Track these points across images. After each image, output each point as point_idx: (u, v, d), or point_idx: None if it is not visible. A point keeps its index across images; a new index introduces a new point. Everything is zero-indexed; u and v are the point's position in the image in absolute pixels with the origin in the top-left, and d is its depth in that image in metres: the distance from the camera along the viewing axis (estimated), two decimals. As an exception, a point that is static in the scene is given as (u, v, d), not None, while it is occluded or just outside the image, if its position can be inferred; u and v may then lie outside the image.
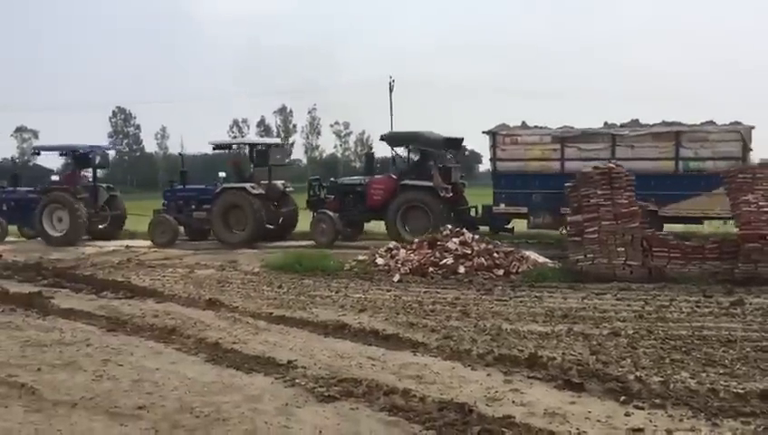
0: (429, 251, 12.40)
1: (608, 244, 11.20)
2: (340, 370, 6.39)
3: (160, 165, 76.70)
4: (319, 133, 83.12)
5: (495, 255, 12.14)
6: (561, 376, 6.01)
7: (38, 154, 20.47)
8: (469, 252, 12.16)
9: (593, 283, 10.76)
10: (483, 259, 11.95)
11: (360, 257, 13.00)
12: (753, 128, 13.94)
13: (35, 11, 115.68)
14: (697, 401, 5.32)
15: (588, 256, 11.28)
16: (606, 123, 15.23)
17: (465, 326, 8.12)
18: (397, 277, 11.58)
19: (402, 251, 12.68)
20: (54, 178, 19.94)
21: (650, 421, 4.98)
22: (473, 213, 16.77)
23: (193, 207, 18.21)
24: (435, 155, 16.78)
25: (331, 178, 18.83)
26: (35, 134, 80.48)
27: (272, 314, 8.97)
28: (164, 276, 12.39)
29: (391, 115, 51.43)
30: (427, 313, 8.95)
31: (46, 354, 7.14)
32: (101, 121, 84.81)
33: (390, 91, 52.74)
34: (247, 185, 17.13)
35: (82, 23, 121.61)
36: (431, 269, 11.85)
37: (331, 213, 16.64)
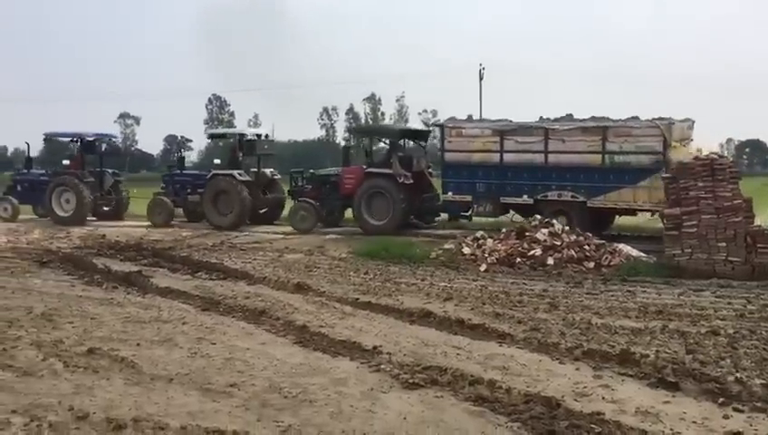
0: (517, 241, 12.21)
1: (707, 238, 10.71)
2: (425, 357, 6.39)
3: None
4: (407, 121, 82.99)
5: (586, 247, 11.83)
6: (655, 374, 5.79)
7: (48, 140, 21.87)
8: (558, 243, 11.89)
9: (691, 279, 10.32)
10: (572, 251, 11.67)
11: (447, 246, 12.94)
12: (672, 124, 13.97)
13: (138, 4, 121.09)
14: (803, 406, 5.02)
15: (685, 250, 10.82)
16: (541, 117, 15.63)
17: (553, 319, 7.95)
18: (483, 267, 11.47)
19: (489, 241, 12.53)
20: (66, 162, 21.09)
21: (750, 425, 4.73)
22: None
23: (188, 190, 19.54)
24: (397, 145, 17.59)
25: (311, 169, 19.82)
26: (137, 120, 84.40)
27: (358, 299, 9.06)
28: (254, 259, 12.73)
29: (480, 102, 50.88)
30: (514, 304, 8.81)
31: (145, 331, 7.46)
32: (199, 108, 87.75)
33: (480, 78, 52.19)
34: (235, 172, 18.31)
35: (181, 13, 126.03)
36: (519, 260, 11.67)
37: (311, 201, 17.58)
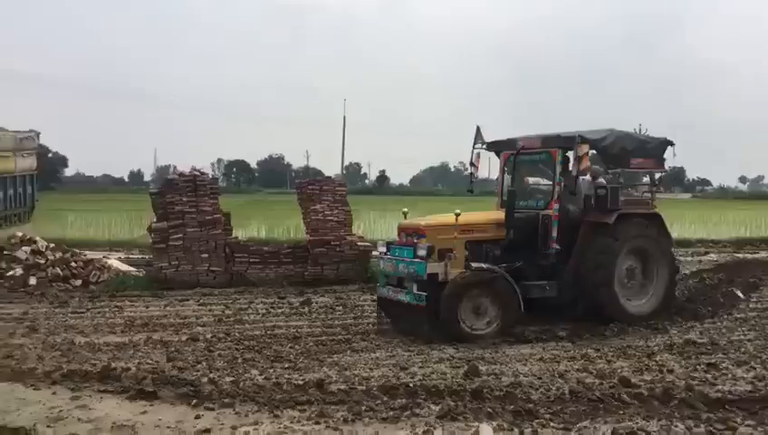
0: (-7, 262, 11.02)
1: (192, 250, 11.36)
2: None
3: None
4: None
5: (73, 264, 11.39)
6: (135, 386, 5.85)
7: None
8: (42, 262, 11.18)
9: (177, 290, 10.80)
10: (58, 269, 11.12)
11: None
12: None
13: None
14: (263, 395, 5.66)
15: (172, 262, 11.28)
16: None
17: (31, 343, 7.40)
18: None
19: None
20: None
21: (218, 421, 5.14)
22: None
23: None
24: None
25: None
26: None
27: None
28: None
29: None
30: (-13, 331, 7.91)
31: None
32: None
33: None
34: None
35: None
36: (-5, 282, 10.56)
37: None
